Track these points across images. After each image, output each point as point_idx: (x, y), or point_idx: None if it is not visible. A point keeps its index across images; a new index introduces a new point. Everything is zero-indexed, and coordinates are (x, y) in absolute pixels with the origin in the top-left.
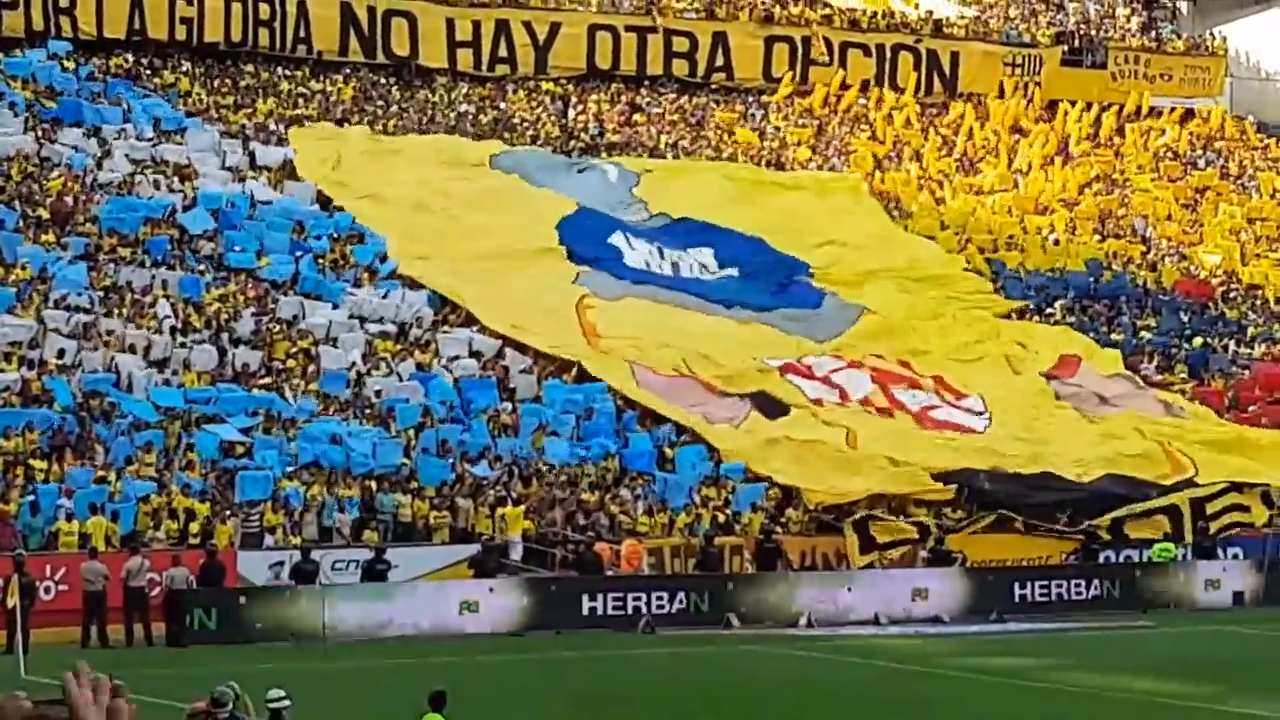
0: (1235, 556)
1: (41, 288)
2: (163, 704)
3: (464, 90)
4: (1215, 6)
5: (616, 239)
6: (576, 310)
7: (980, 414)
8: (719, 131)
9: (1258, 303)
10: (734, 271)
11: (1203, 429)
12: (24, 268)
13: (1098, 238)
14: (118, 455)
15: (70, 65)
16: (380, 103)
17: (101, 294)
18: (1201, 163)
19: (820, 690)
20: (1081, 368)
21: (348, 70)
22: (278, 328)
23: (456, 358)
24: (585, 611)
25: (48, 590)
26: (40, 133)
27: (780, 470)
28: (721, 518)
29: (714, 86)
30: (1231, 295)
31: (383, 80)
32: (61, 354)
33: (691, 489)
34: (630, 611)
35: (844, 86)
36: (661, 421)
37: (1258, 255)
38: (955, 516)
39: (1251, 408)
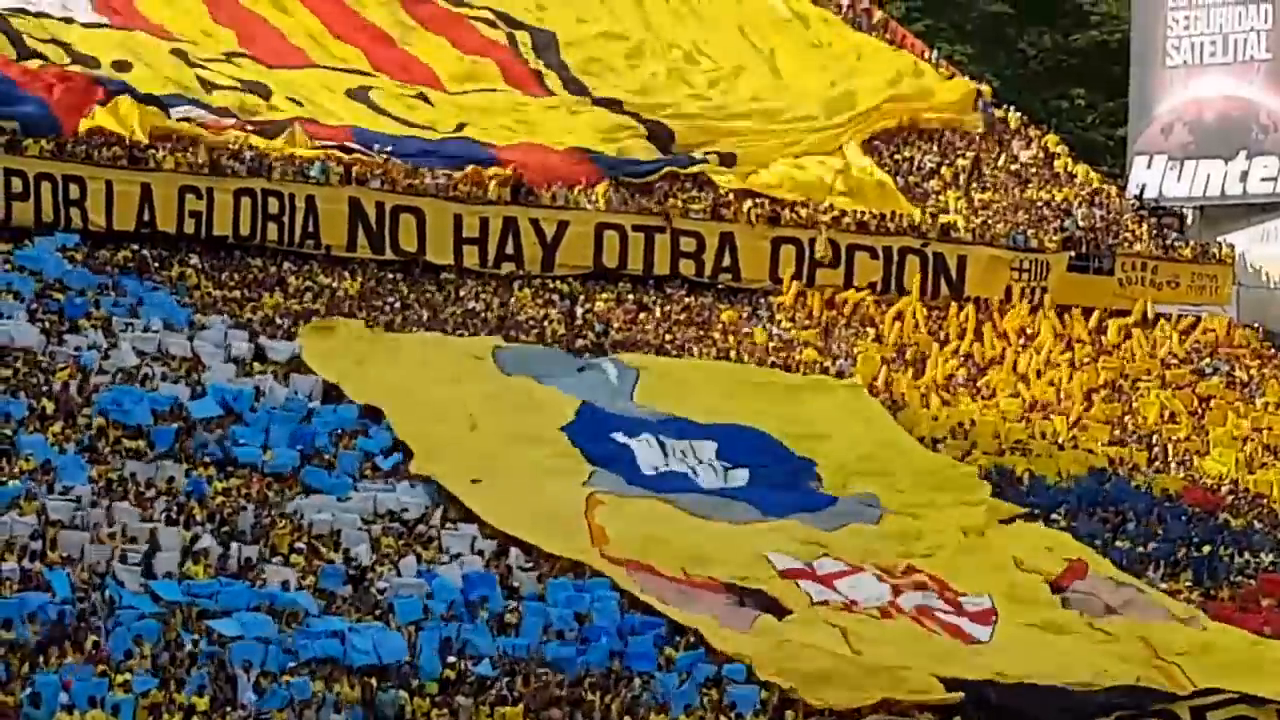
0: None
1: (45, 479)
2: None
3: (471, 287)
4: (1222, 215)
5: (619, 437)
6: (587, 514)
7: (986, 621)
8: (724, 331)
9: (1263, 511)
10: (745, 470)
11: (1217, 634)
12: (28, 459)
13: (1103, 444)
14: (117, 648)
15: (79, 257)
16: (388, 298)
17: (104, 486)
18: (1208, 370)
19: None
20: (1089, 575)
21: (355, 265)
22: (281, 522)
23: (459, 555)
24: None
25: None
26: (47, 324)
27: (783, 675)
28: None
29: (720, 286)
30: (1238, 504)
31: (390, 276)
32: (55, 545)
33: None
34: None
35: (850, 288)
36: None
37: (1263, 464)
38: None
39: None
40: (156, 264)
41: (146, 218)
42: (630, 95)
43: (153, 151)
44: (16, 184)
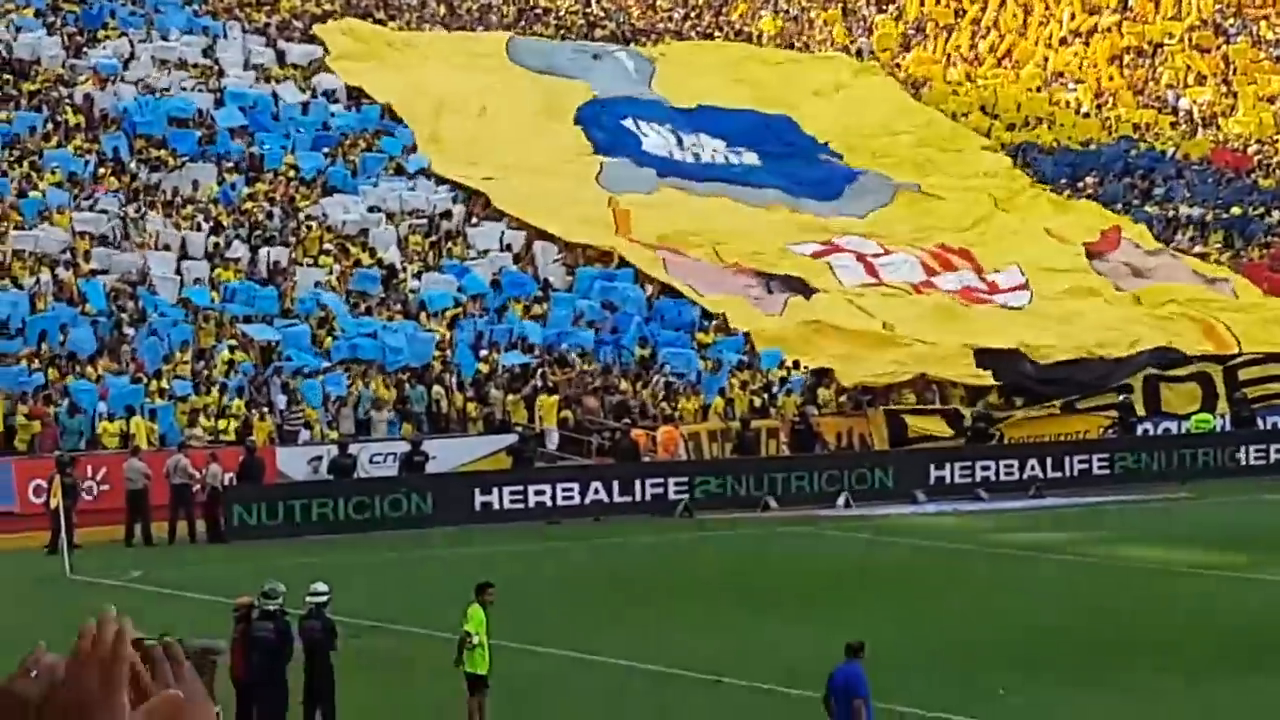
0: (1275, 425)
1: (73, 191)
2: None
3: None
4: None
5: (629, 124)
6: (610, 207)
7: (1020, 289)
8: (742, 16)
9: None
10: (755, 156)
11: (1247, 303)
12: (54, 172)
13: (1128, 110)
14: (153, 356)
15: None
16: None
17: (131, 195)
18: (1233, 31)
19: (857, 569)
20: (1123, 243)
21: None
22: (309, 225)
23: (487, 251)
24: (619, 498)
25: (90, 491)
26: (65, 37)
27: (814, 353)
28: (757, 401)
29: None
30: (1266, 163)
31: None
32: (88, 257)
33: (726, 374)
34: (671, 495)
35: None
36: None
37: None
38: (993, 402)
39: None
40: None
41: None
42: None
43: None
44: None
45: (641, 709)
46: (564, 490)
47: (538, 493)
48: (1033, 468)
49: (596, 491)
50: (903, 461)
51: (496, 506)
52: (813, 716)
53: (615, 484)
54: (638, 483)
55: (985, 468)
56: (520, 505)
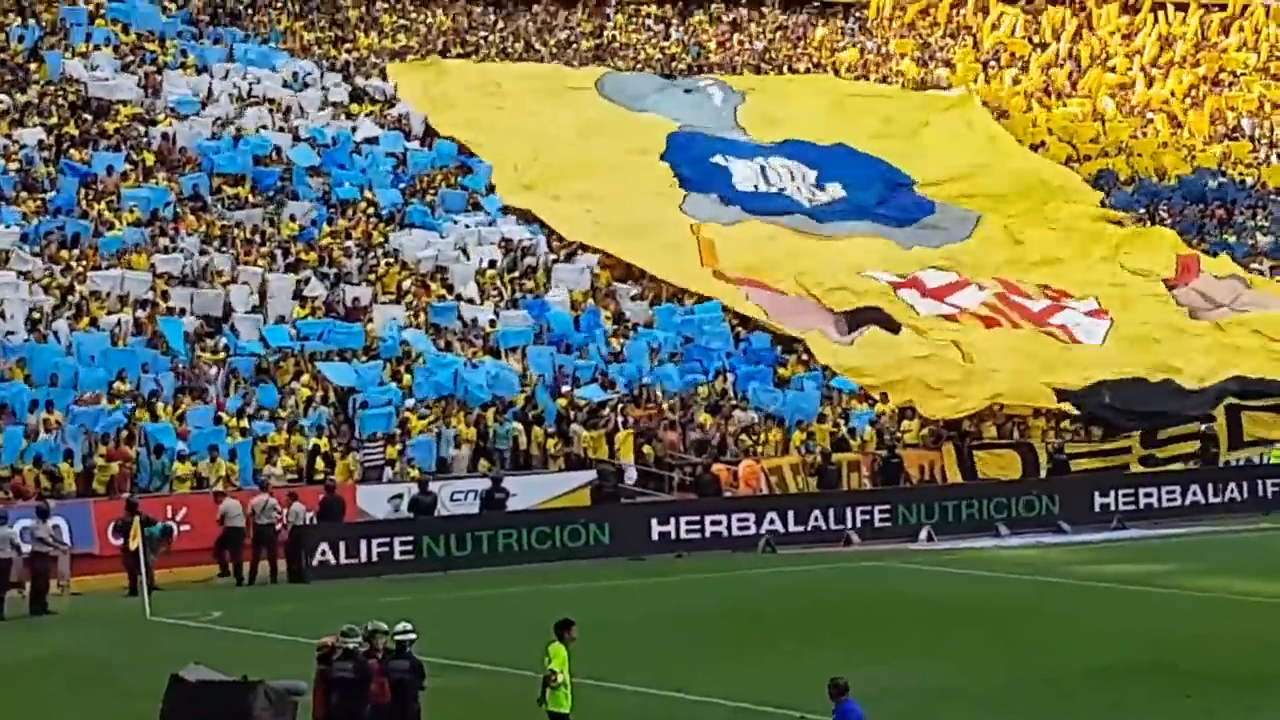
0: None
1: (151, 230)
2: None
3: (564, 17)
4: None
5: (719, 159)
6: (694, 235)
7: (1100, 319)
8: (820, 49)
9: None
10: (840, 189)
11: None
12: (132, 211)
13: (1205, 140)
14: (232, 395)
15: (171, 7)
16: (481, 33)
17: (210, 234)
18: None
19: (939, 602)
20: (1202, 272)
21: (447, 1)
22: (387, 262)
23: (566, 288)
24: (700, 534)
25: (171, 530)
26: (143, 76)
27: (895, 386)
28: (839, 433)
29: (813, 3)
30: None
31: (481, 9)
32: (167, 296)
33: (811, 408)
34: (754, 531)
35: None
36: (777, 342)
37: None
38: (1069, 434)
39: None
40: (249, 10)
41: None
42: None
43: None
44: None
45: None
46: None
47: (615, 532)
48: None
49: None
50: (981, 491)
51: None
52: None
53: (698, 518)
54: (724, 518)
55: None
56: (604, 542)
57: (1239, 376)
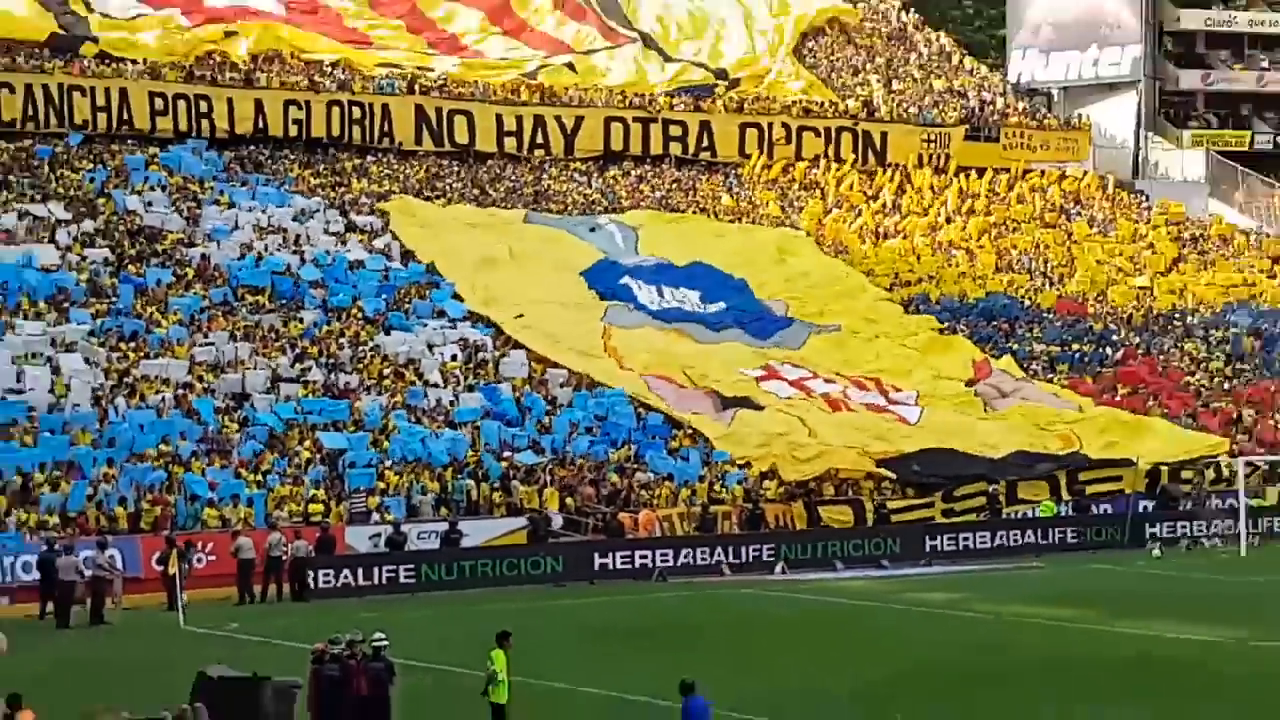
0: (1105, 511)
1: (190, 328)
2: (296, 647)
3: (511, 170)
4: (1080, 93)
5: (626, 280)
6: (603, 339)
7: (916, 407)
8: (705, 197)
9: (1117, 317)
10: (718, 304)
11: (1090, 416)
12: (175, 314)
13: (994, 270)
14: (250, 456)
15: (209, 157)
16: (449, 180)
17: (235, 332)
18: (1073, 212)
19: (789, 620)
20: (993, 371)
21: (421, 157)
22: (371, 355)
23: (509, 378)
24: (608, 566)
25: (199, 560)
26: (186, 210)
27: (758, 455)
28: (715, 491)
29: (702, 163)
30: (1098, 312)
31: (448, 163)
32: (201, 380)
33: (695, 471)
34: (650, 567)
35: (799, 159)
36: (669, 421)
37: (1114, 282)
38: (890, 492)
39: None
40: (269, 160)
41: (260, 125)
42: None
43: (262, 73)
44: (159, 103)
45: None
46: (569, 560)
47: (544, 564)
48: (925, 542)
49: (593, 561)
50: (822, 535)
51: (517, 573)
52: None
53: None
54: (626, 555)
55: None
56: (535, 571)
57: (1019, 451)
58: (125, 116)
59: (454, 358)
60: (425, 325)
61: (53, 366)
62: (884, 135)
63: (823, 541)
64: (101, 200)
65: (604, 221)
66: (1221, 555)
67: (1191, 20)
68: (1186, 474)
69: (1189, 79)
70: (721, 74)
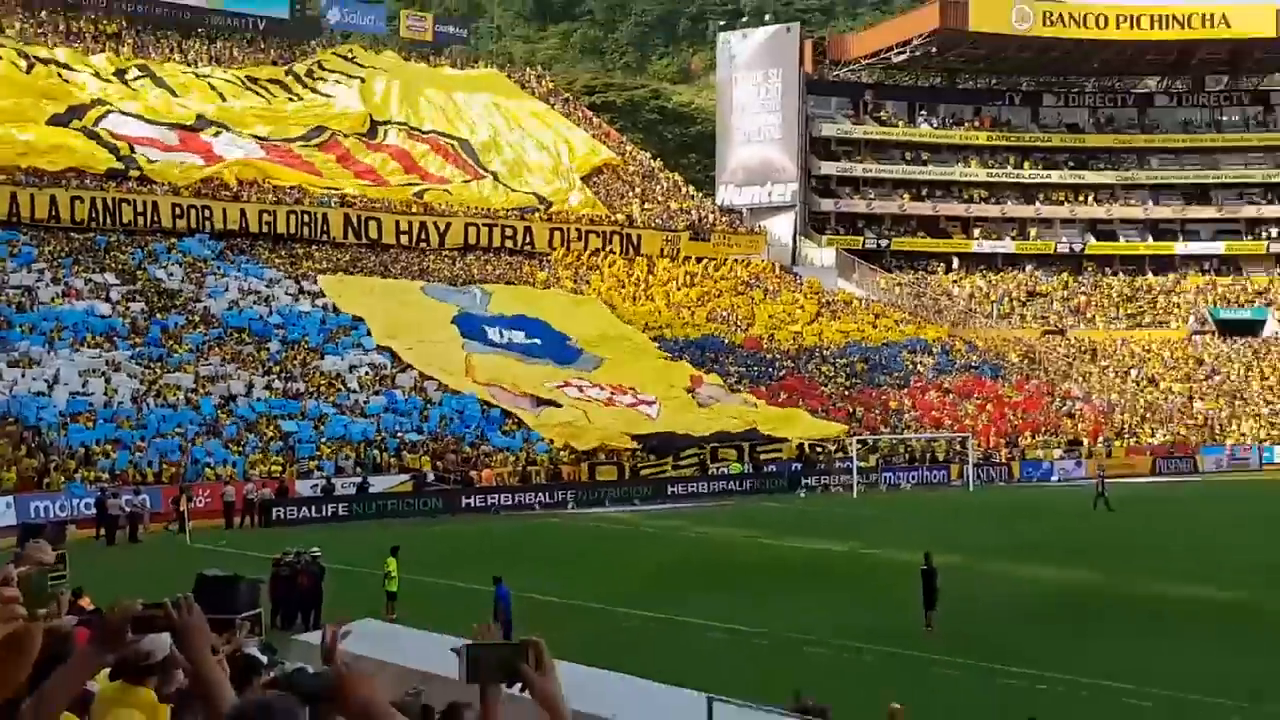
0: (772, 469)
1: (195, 355)
2: (262, 557)
3: (405, 257)
4: (760, 212)
5: (483, 325)
6: (464, 363)
7: (654, 405)
8: (529, 275)
9: (783, 347)
10: (538, 341)
11: (763, 410)
12: (186, 345)
13: (706, 321)
14: (234, 436)
15: (211, 245)
16: (366, 262)
17: (228, 357)
18: (754, 285)
19: (575, 539)
20: (705, 384)
21: (348, 246)
22: (314, 371)
23: (401, 385)
24: (464, 505)
25: (200, 501)
26: (195, 279)
27: (557, 434)
28: (531, 456)
29: (527, 252)
30: (772, 347)
31: (365, 250)
32: (204, 388)
33: (518, 445)
34: (491, 504)
35: (587, 251)
36: (505, 414)
37: (779, 328)
38: (640, 458)
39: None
40: (249, 247)
41: (244, 224)
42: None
43: (245, 191)
44: (178, 210)
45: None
46: (440, 501)
47: (423, 504)
48: (665, 489)
49: (457, 502)
50: (599, 485)
51: (406, 509)
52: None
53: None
54: (475, 498)
55: (639, 489)
56: (419, 508)
57: (719, 431)
58: (155, 219)
59: (367, 373)
60: (349, 353)
61: (105, 378)
62: (639, 236)
63: (598, 489)
64: (139, 272)
65: (468, 289)
66: (842, 497)
67: (829, 168)
68: (821, 447)
69: (826, 204)
70: (540, 198)
